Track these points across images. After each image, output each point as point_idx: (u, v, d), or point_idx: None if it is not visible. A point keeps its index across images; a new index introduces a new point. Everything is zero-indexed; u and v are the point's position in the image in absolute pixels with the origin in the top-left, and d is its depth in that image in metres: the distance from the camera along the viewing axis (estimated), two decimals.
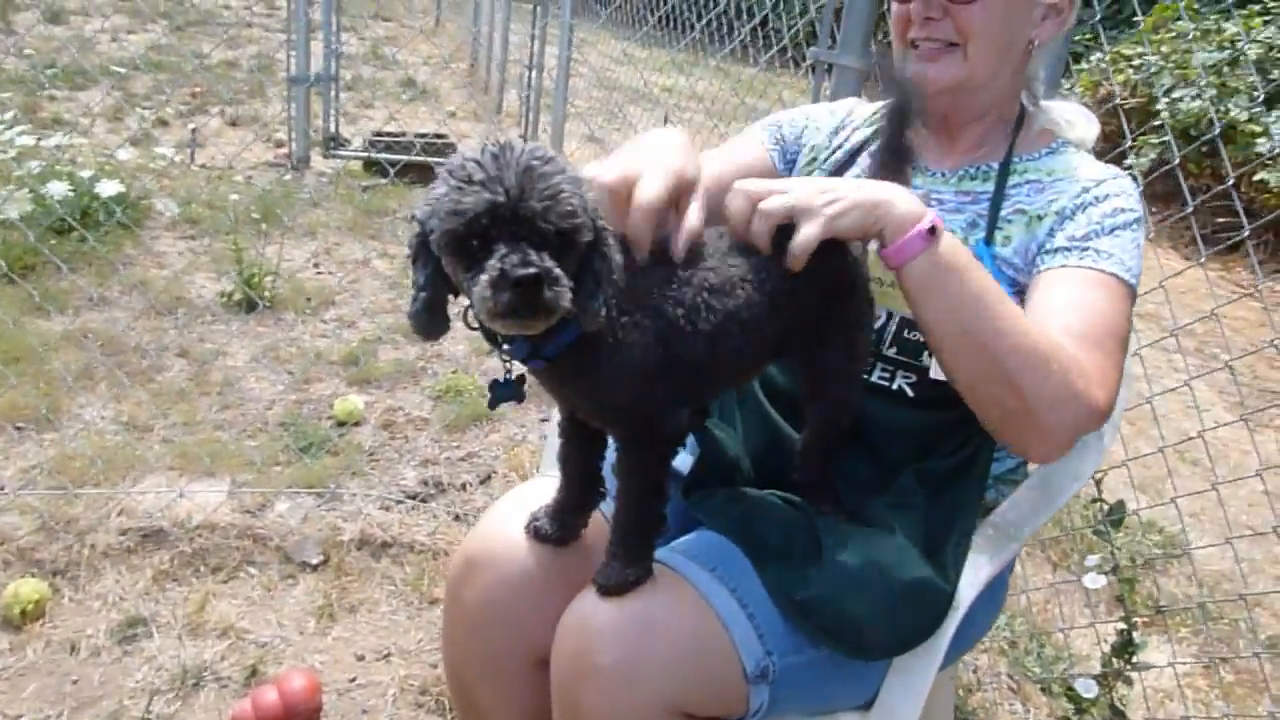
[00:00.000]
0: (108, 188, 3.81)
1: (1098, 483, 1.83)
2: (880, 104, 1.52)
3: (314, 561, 2.32)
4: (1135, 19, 2.06)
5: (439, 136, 5.61)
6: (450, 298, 1.03)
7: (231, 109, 6.33)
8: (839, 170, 1.46)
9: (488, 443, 2.96)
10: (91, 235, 3.36)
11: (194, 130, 5.52)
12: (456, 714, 1.47)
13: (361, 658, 2.08)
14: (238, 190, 4.79)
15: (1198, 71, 5.79)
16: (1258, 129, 5.43)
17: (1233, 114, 5.49)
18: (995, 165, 1.35)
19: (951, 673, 1.68)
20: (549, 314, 0.93)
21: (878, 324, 1.33)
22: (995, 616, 1.46)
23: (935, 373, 1.30)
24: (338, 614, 2.18)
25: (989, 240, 1.31)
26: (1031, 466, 1.45)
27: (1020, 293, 1.27)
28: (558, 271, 0.92)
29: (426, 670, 2.05)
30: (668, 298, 1.07)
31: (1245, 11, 5.90)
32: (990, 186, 1.34)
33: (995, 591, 1.42)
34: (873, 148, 1.38)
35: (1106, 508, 1.77)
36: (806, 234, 1.07)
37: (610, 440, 1.23)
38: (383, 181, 5.12)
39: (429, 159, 4.65)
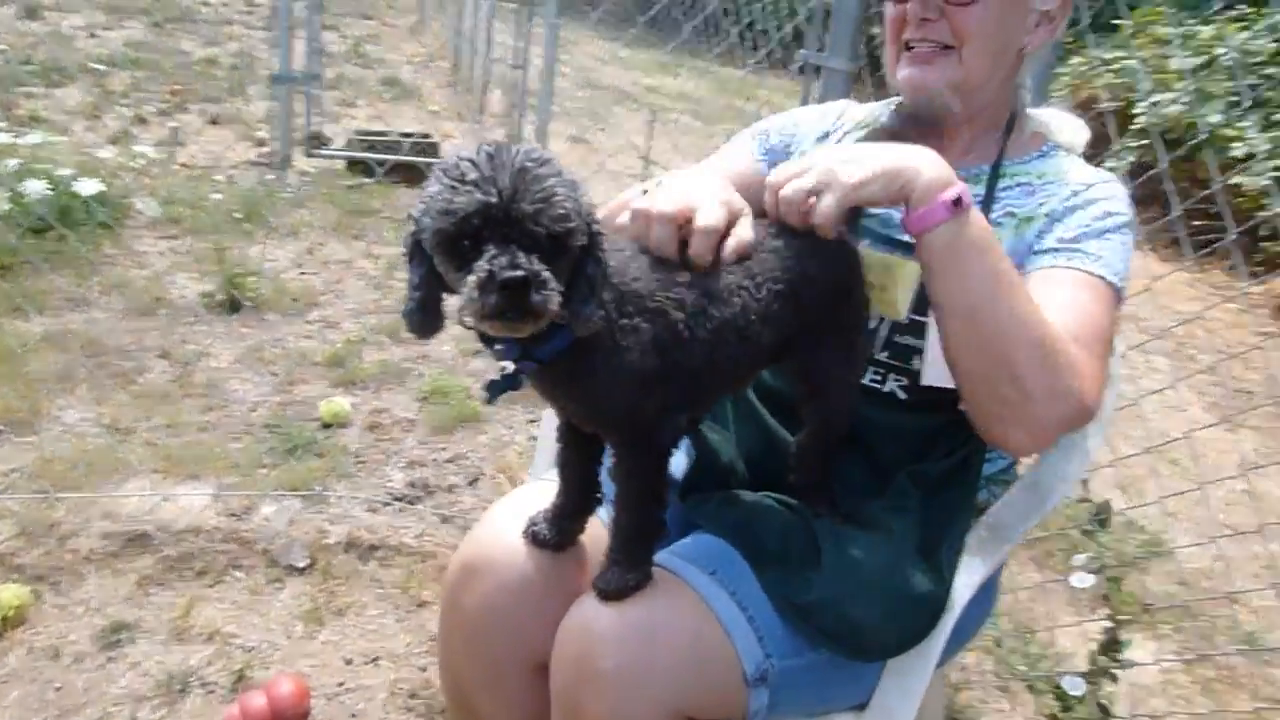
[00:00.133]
0: (87, 186, 3.77)
1: (1084, 484, 1.85)
2: (876, 104, 1.53)
3: (301, 565, 2.30)
4: (1114, 23, 2.08)
5: (423, 136, 5.59)
6: (444, 296, 1.02)
7: (212, 107, 6.28)
8: None
9: (475, 444, 2.95)
10: (71, 235, 3.32)
11: (175, 128, 5.47)
12: None
13: (350, 662, 2.06)
14: (219, 190, 4.75)
15: (1175, 76, 5.86)
16: (1233, 133, 5.50)
17: (1209, 118, 5.56)
18: (986, 168, 1.36)
19: (943, 672, 1.70)
20: (536, 318, 0.93)
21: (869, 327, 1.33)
22: (987, 616, 1.47)
23: (925, 379, 1.30)
24: (325, 618, 2.17)
25: None
26: (1022, 468, 1.47)
27: None
28: (546, 275, 0.91)
29: (416, 674, 2.04)
30: (666, 303, 1.06)
31: (1221, 18, 5.97)
32: (981, 189, 1.35)
33: (987, 592, 1.43)
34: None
35: (1094, 508, 1.78)
36: (826, 204, 1.08)
37: (608, 445, 1.23)
38: (367, 181, 5.10)
39: (414, 159, 4.63)
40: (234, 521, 2.41)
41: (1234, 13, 5.88)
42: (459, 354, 3.45)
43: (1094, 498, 1.87)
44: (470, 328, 1.03)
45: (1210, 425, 2.93)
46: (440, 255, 0.95)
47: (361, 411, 3.02)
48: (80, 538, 2.26)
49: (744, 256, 1.12)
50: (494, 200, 0.90)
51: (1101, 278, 1.23)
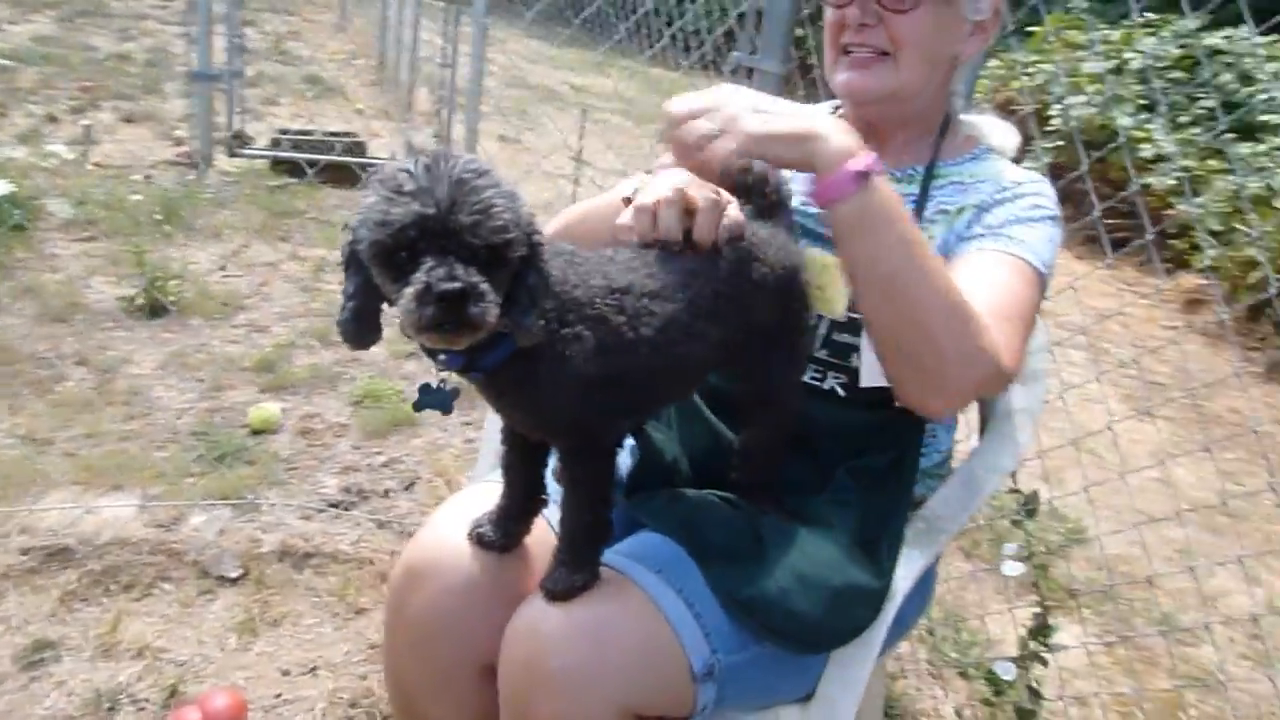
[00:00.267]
0: None
1: (1011, 475, 1.91)
2: (815, 108, 1.55)
3: (233, 575, 2.25)
4: (1029, 30, 2.15)
5: (348, 134, 5.48)
6: (382, 307, 1.02)
7: (126, 105, 6.06)
8: None
9: (410, 448, 2.91)
10: None
11: (87, 127, 5.27)
12: None
13: (287, 673, 2.02)
14: (137, 190, 4.59)
15: (1088, 79, 6.09)
16: (1141, 135, 5.74)
17: (1120, 121, 5.79)
18: (921, 169, 1.40)
19: (883, 662, 1.74)
20: (474, 330, 0.93)
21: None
22: (925, 607, 1.51)
23: (864, 380, 1.33)
24: (260, 628, 2.12)
25: None
26: (955, 462, 1.51)
27: None
28: (485, 287, 0.91)
29: (355, 682, 2.01)
30: (608, 308, 1.07)
31: (1130, 23, 6.22)
32: (915, 189, 1.39)
33: (925, 583, 1.47)
34: None
35: (1022, 498, 1.85)
36: (723, 146, 1.07)
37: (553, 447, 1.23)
38: (292, 181, 4.98)
39: (343, 158, 4.54)
40: (161, 533, 2.34)
41: (1142, 19, 6.13)
42: (391, 357, 3.40)
43: (1020, 489, 1.93)
44: (410, 339, 1.03)
45: (1129, 417, 3.05)
46: (377, 266, 0.95)
47: (292, 417, 2.96)
48: None
49: (738, 237, 1.15)
50: (431, 212, 0.90)
51: (1026, 261, 1.26)
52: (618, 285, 1.08)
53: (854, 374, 1.35)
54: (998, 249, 1.27)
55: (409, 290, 0.90)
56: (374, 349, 1.07)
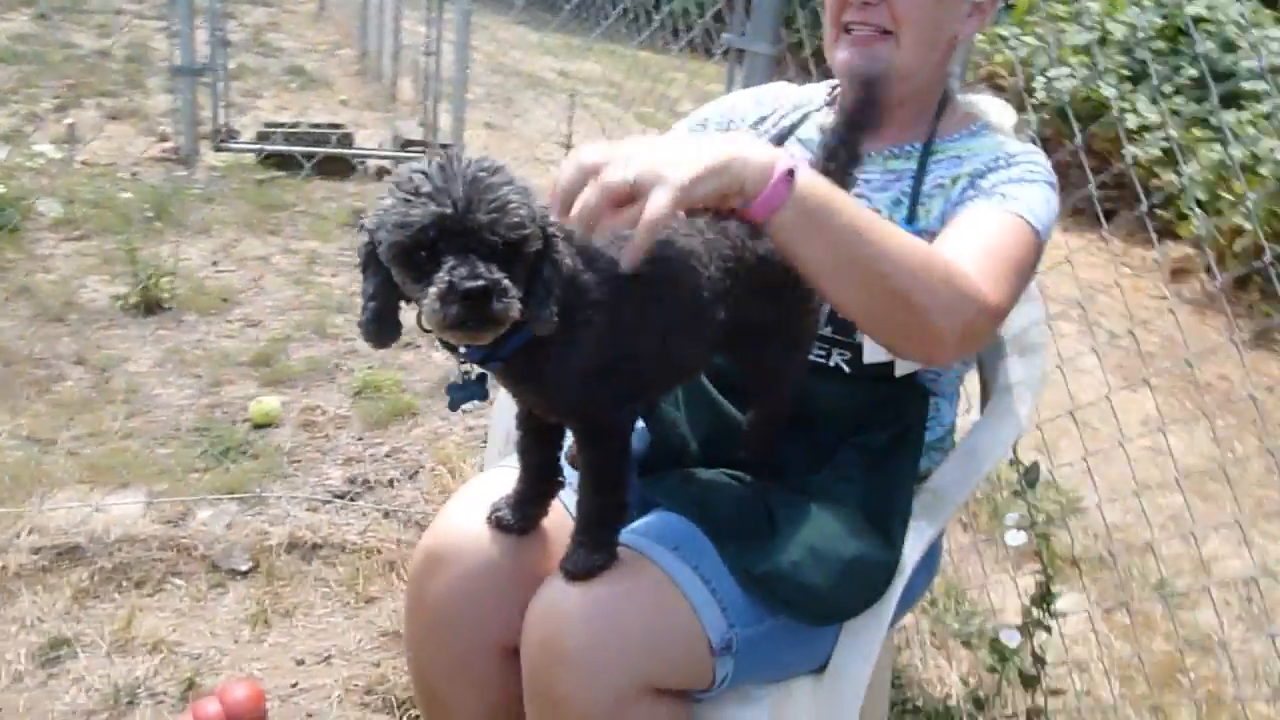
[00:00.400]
0: None
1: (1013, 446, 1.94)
2: (812, 87, 1.57)
3: (243, 568, 2.27)
4: (1009, 3, 2.17)
5: (335, 126, 5.46)
6: (400, 305, 1.04)
7: (109, 102, 6.02)
8: None
9: (412, 437, 2.93)
10: None
11: (72, 125, 5.23)
12: (421, 713, 1.47)
13: (301, 662, 2.04)
14: (125, 188, 4.57)
15: (1071, 51, 6.10)
16: (1125, 105, 5.77)
17: (1104, 91, 5.82)
18: (919, 146, 1.42)
19: (892, 633, 1.77)
20: (498, 325, 0.95)
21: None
22: (932, 578, 1.54)
23: (868, 357, 1.36)
24: (272, 619, 2.14)
25: (912, 218, 1.38)
26: (958, 435, 1.54)
27: None
28: (506, 283, 0.93)
29: (369, 669, 2.03)
30: (617, 294, 1.08)
31: None
32: (913, 164, 1.41)
33: (930, 556, 1.50)
34: (813, 138, 1.43)
35: (1023, 469, 1.88)
36: (657, 203, 0.96)
37: (567, 431, 1.25)
38: (280, 174, 4.96)
39: (336, 150, 4.54)
40: (169, 529, 2.35)
41: None
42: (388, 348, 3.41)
43: (1019, 460, 1.96)
44: (428, 333, 1.05)
45: (1123, 388, 3.09)
46: (398, 267, 0.97)
47: (293, 410, 2.97)
48: (9, 554, 2.17)
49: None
50: (449, 211, 0.92)
51: (1020, 216, 1.25)
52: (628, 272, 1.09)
53: (858, 350, 1.37)
54: (990, 205, 1.28)
55: (433, 290, 0.92)
56: None
